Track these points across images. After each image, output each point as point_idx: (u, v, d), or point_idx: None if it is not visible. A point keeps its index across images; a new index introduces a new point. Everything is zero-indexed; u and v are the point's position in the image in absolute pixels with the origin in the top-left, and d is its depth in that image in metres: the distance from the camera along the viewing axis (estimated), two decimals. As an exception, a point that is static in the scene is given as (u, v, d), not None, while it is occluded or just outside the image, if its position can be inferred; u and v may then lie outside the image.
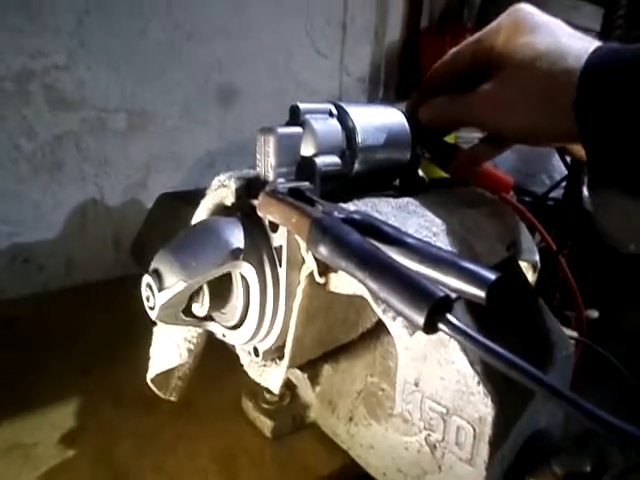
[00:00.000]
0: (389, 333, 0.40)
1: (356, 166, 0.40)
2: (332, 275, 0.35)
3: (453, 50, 0.43)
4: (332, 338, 0.42)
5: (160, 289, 0.33)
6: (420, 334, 0.33)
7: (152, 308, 0.34)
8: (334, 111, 0.40)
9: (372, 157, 0.41)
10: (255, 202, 0.35)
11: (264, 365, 0.41)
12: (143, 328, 0.43)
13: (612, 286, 0.83)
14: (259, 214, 0.34)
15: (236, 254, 0.34)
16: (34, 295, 0.70)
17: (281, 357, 0.40)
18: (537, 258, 0.44)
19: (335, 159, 0.39)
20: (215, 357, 0.45)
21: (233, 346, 0.43)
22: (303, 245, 0.34)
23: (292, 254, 0.35)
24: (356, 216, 0.31)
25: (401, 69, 1.04)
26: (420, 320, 0.23)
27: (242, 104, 0.83)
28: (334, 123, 0.40)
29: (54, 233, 0.72)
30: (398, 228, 0.30)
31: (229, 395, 0.49)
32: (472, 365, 0.32)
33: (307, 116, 0.39)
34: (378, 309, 0.32)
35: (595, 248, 0.79)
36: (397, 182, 0.48)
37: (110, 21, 0.69)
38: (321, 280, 0.34)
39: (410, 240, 0.29)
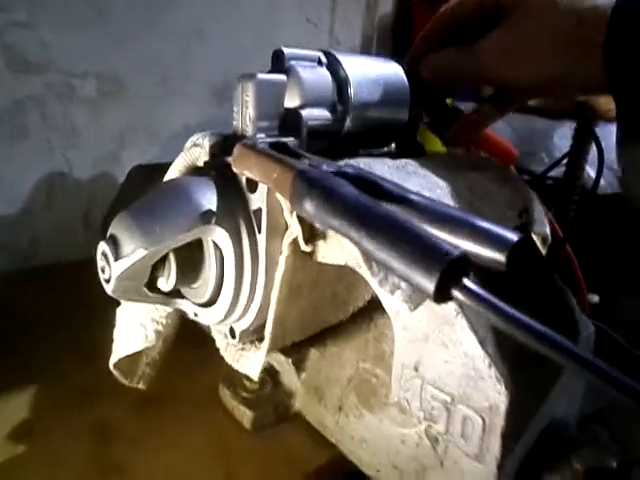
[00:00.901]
0: (384, 313, 0.36)
1: (348, 123, 0.35)
2: (320, 243, 0.30)
3: None
4: (319, 318, 0.37)
5: (116, 258, 0.28)
6: (422, 310, 0.28)
7: (107, 280, 0.29)
8: (324, 59, 0.35)
9: (366, 113, 0.36)
10: (230, 159, 0.31)
11: (242, 349, 0.36)
12: (113, 312, 0.38)
13: (613, 270, 0.79)
14: (234, 170, 0.29)
15: (207, 217, 0.29)
16: (-4, 275, 0.65)
17: (261, 339, 0.35)
18: (548, 231, 0.39)
19: (324, 113, 0.34)
20: (189, 341, 0.40)
21: (208, 327, 0.38)
22: (286, 205, 0.29)
23: (273, 218, 0.30)
24: (349, 170, 0.26)
25: (394, 41, 0.99)
26: (430, 286, 0.19)
27: (225, 75, 0.77)
28: (324, 72, 0.35)
29: (16, 209, 0.66)
30: (399, 184, 0.25)
31: (204, 383, 0.44)
32: (482, 345, 0.27)
33: (293, 62, 0.34)
34: (373, 280, 0.27)
35: (596, 230, 0.75)
36: (392, 147, 0.43)
37: (78, -25, 0.63)
38: (307, 248, 0.30)
39: (414, 197, 0.24)
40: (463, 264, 0.19)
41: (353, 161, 0.33)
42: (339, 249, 0.29)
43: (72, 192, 0.70)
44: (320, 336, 0.40)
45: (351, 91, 0.35)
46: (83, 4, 0.63)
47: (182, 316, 0.38)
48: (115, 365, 0.38)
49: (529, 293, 0.31)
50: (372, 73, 0.36)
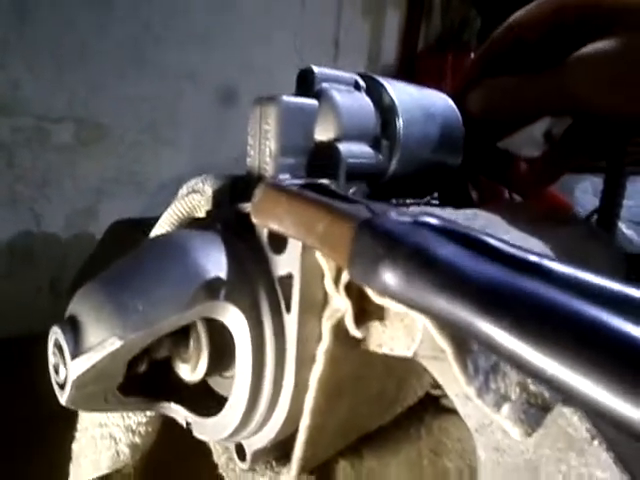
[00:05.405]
0: (439, 413, 0.27)
1: (394, 163, 0.27)
2: (375, 325, 0.21)
3: (539, 1, 0.30)
4: (359, 424, 0.27)
5: (76, 353, 0.19)
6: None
7: (62, 386, 0.19)
8: (362, 83, 0.28)
9: (416, 152, 0.28)
10: (245, 206, 0.22)
11: (253, 470, 0.26)
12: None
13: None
14: (255, 221, 0.21)
15: (214, 289, 0.20)
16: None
17: (281, 459, 0.25)
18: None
19: (365, 149, 0.27)
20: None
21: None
22: (329, 270, 0.20)
23: (309, 289, 0.21)
24: (432, 220, 0.18)
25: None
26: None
27: (218, 123, 0.71)
28: (363, 98, 0.27)
29: (-29, 271, 0.56)
30: (516, 244, 0.17)
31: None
32: (636, 486, 0.18)
33: (325, 85, 0.26)
34: (469, 387, 0.18)
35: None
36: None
37: (59, 8, 0.56)
38: (358, 333, 0.20)
39: (548, 263, 0.15)
40: None
41: (410, 211, 0.24)
42: (404, 335, 0.20)
43: (39, 253, 0.60)
44: (352, 443, 0.30)
45: (400, 123, 0.27)
46: (64, 39, 0.56)
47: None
48: (71, 494, 0.27)
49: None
50: (422, 102, 0.29)
